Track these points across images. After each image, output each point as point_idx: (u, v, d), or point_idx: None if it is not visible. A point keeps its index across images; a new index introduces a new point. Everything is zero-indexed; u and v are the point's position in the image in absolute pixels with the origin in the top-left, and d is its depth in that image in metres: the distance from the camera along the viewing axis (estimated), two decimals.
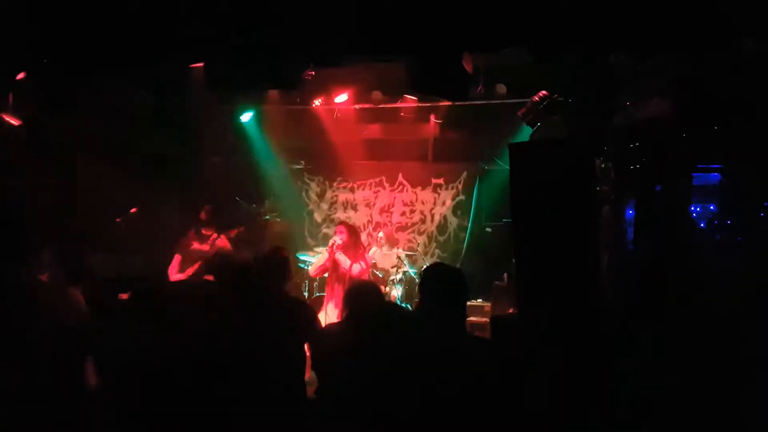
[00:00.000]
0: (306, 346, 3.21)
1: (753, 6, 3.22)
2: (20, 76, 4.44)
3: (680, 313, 3.27)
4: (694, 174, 3.89)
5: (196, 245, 5.51)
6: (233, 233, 5.78)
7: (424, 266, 7.93)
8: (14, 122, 4.78)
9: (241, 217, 7.61)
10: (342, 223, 5.47)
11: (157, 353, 2.58)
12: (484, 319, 6.69)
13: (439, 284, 2.54)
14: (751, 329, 2.95)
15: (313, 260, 7.05)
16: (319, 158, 9.05)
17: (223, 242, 5.57)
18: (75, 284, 3.37)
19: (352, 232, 5.24)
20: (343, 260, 5.00)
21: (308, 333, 3.18)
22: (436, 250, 8.70)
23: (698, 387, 2.90)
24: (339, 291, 4.96)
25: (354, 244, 5.14)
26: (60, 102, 4.51)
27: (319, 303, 5.66)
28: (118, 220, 5.22)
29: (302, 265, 7.39)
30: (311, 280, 7.39)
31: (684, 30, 3.33)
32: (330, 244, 5.12)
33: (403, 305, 6.37)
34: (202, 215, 5.71)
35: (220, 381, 2.57)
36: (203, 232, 5.61)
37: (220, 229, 5.72)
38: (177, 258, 5.37)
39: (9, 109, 4.71)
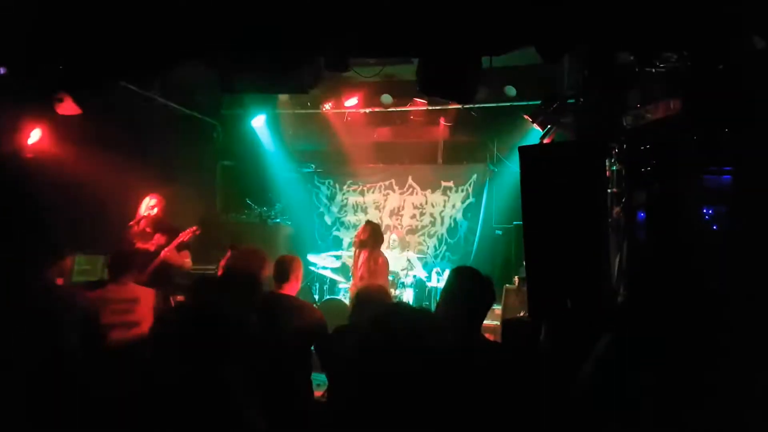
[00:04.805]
0: (312, 348, 3.24)
1: (761, 4, 3.20)
2: (34, 81, 4.49)
3: (691, 314, 3.25)
4: (705, 176, 3.85)
5: (139, 244, 4.98)
6: (187, 235, 5.12)
7: (435, 269, 8.00)
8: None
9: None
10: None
11: (164, 352, 2.60)
12: (495, 323, 6.66)
13: (468, 285, 2.55)
14: (761, 331, 2.92)
15: (322, 262, 7.22)
16: (329, 161, 9.11)
17: (169, 246, 5.00)
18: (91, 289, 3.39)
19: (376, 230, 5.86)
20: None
21: (315, 336, 3.20)
22: (447, 253, 8.68)
23: (706, 387, 2.88)
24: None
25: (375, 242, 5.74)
26: (73, 106, 4.56)
27: (328, 306, 5.74)
28: (131, 223, 5.25)
29: (312, 268, 7.42)
30: (321, 282, 7.42)
31: (693, 30, 3.32)
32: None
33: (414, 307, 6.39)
34: (155, 212, 5.07)
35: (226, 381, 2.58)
36: (147, 229, 5.07)
37: (169, 230, 5.11)
38: None
39: (28, 113, 4.76)
